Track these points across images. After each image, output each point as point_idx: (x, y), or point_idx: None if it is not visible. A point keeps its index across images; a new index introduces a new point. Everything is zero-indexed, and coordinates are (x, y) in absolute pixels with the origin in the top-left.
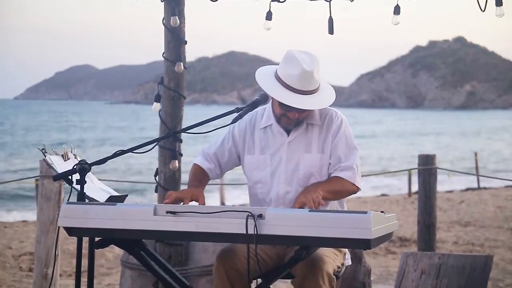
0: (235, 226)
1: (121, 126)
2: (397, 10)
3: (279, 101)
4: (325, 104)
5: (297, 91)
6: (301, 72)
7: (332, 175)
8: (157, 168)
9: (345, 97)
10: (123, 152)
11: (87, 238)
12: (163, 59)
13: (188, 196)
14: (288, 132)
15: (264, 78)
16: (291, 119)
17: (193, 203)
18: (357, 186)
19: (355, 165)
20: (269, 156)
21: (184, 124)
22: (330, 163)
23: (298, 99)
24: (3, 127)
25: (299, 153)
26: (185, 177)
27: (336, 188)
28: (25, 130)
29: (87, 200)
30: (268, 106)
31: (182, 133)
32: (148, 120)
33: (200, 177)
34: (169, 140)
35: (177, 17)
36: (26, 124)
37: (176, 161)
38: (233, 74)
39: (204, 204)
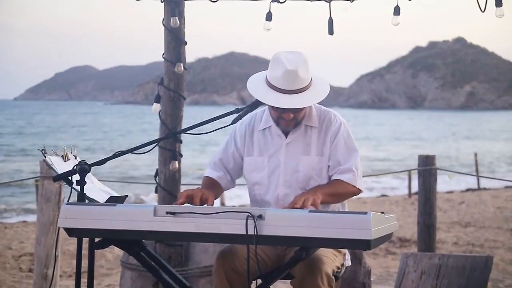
0: (235, 226)
1: (123, 127)
2: (397, 11)
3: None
4: (315, 100)
5: (284, 91)
6: (284, 72)
7: (333, 178)
8: (157, 169)
9: (345, 98)
10: (123, 152)
11: (87, 238)
12: (163, 59)
13: (198, 194)
14: (286, 134)
15: (253, 82)
16: (287, 120)
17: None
18: (358, 188)
19: (355, 167)
20: (267, 158)
21: (184, 125)
22: (329, 166)
23: (285, 99)
24: (3, 128)
25: (297, 156)
26: (184, 179)
27: (336, 191)
28: (25, 131)
29: (87, 201)
30: (267, 108)
31: (182, 134)
32: (148, 121)
33: (210, 185)
34: (169, 140)
35: (177, 17)
36: (27, 125)
37: (176, 161)
38: (233, 75)
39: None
